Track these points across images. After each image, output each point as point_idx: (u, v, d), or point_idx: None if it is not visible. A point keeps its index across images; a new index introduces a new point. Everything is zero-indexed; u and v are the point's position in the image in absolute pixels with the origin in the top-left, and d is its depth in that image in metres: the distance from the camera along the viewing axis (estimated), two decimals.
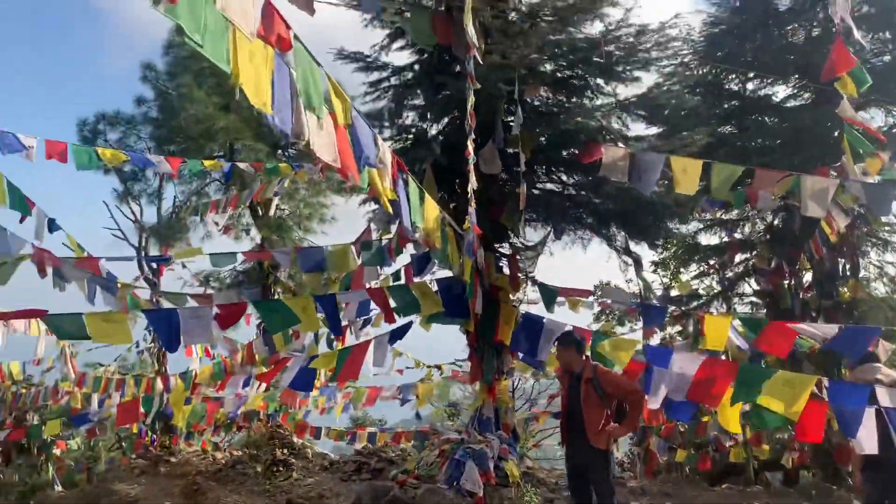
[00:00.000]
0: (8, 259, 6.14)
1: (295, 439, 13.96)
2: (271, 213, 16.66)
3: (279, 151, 18.60)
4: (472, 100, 5.46)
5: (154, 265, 16.81)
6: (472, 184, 5.47)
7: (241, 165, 10.69)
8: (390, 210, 4.50)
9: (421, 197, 4.96)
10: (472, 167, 5.37)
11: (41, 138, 8.11)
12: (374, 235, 7.91)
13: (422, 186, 5.14)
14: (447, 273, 6.78)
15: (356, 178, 3.82)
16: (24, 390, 16.76)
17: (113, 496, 11.49)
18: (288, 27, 3.26)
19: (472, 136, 5.44)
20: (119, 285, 6.89)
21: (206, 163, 10.07)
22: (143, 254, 19.19)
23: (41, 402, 16.21)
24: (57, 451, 18.11)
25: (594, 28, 7.17)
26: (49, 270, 6.66)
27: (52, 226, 7.25)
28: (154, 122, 17.93)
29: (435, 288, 6.64)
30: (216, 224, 17.88)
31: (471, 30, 5.38)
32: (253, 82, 2.81)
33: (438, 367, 15.98)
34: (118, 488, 11.87)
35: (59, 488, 16.83)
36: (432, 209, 5.20)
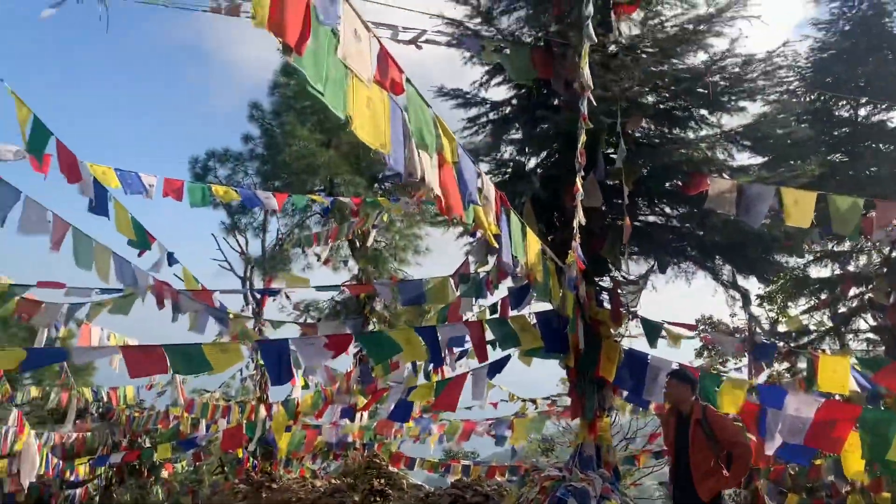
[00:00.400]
0: (137, 291, 6.52)
1: (390, 469, 14.08)
2: (369, 244, 17.07)
3: (376, 185, 19.12)
4: (583, 138, 5.46)
5: (258, 295, 17.50)
6: (581, 219, 5.44)
7: (343, 200, 11.02)
8: (494, 244, 4.53)
9: (523, 231, 4.98)
10: (579, 202, 5.35)
11: (160, 177, 8.64)
12: (472, 268, 7.96)
13: (523, 220, 5.16)
14: (545, 306, 6.74)
15: (461, 215, 3.88)
16: (136, 414, 17.67)
17: None
18: (400, 71, 3.37)
19: (582, 173, 5.43)
20: (231, 316, 7.21)
21: (313, 197, 10.42)
22: (247, 284, 20.01)
23: (151, 425, 17.00)
24: (165, 474, 18.92)
25: (697, 59, 7.05)
26: (167, 302, 7.05)
27: (171, 259, 7.65)
28: (260, 159, 18.78)
29: (534, 321, 6.60)
30: (317, 255, 18.48)
31: (586, 72, 5.40)
32: (371, 125, 2.92)
33: (533, 402, 15.81)
34: None
35: None
36: (534, 243, 5.20)
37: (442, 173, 3.73)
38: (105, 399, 16.84)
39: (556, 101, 7.38)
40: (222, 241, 20.36)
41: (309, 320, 16.60)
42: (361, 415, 12.53)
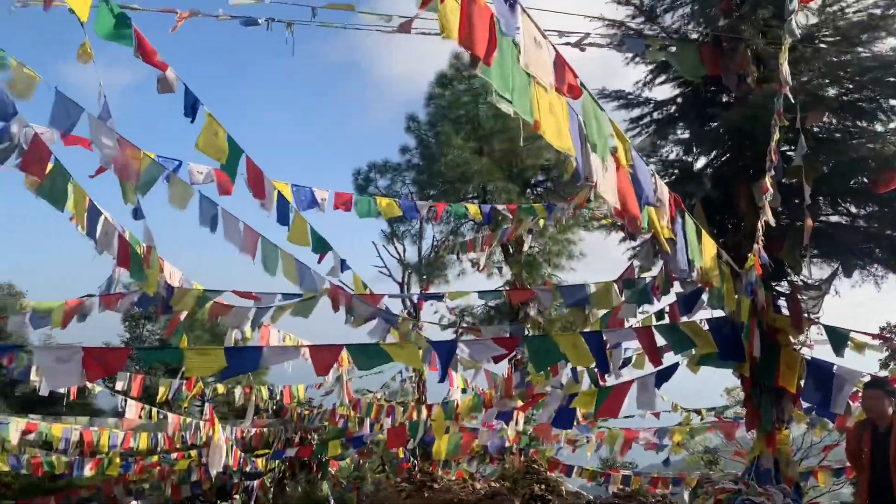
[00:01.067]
0: (315, 294, 6.98)
1: (549, 475, 14.02)
2: (523, 250, 17.14)
3: (528, 191, 19.18)
4: (776, 136, 5.22)
5: (414, 300, 18.07)
6: (769, 219, 5.19)
7: (499, 207, 11.17)
8: (668, 249, 4.43)
9: (698, 234, 4.83)
10: (766, 203, 5.11)
11: (331, 191, 9.19)
12: (637, 273, 7.79)
13: (697, 223, 5.00)
14: (716, 313, 6.47)
15: (638, 218, 3.84)
16: (307, 412, 18.76)
17: None
18: (575, 76, 3.40)
19: (772, 172, 5.18)
20: (400, 319, 7.53)
21: (469, 207, 10.64)
22: (405, 289, 20.74)
23: (320, 423, 17.96)
24: (331, 470, 19.93)
25: (886, 46, 6.51)
26: (342, 306, 7.46)
27: (344, 266, 8.09)
28: (416, 169, 19.44)
29: (705, 328, 6.36)
30: (472, 262, 18.81)
31: (785, 68, 5.17)
32: (554, 129, 2.97)
33: (698, 412, 15.16)
34: None
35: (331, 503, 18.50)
36: (709, 247, 5.03)
37: (617, 176, 3.71)
38: (278, 397, 18.00)
39: (725, 98, 7.08)
40: (381, 249, 21.27)
41: (463, 325, 16.91)
42: (517, 418, 12.58)
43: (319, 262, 7.47)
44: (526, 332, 16.06)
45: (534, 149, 17.75)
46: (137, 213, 5.62)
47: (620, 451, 14.04)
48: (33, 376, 8.19)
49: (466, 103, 18.29)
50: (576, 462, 16.23)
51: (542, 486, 12.01)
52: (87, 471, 12.74)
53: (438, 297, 7.84)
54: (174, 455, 15.01)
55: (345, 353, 12.28)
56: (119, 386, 10.75)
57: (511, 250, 17.85)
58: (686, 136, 7.32)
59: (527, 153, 17.61)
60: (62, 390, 8.54)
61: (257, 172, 6.17)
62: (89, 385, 10.42)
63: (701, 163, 7.25)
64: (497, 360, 5.78)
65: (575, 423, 13.59)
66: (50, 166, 5.39)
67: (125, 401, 10.56)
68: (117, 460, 13.42)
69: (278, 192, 6.54)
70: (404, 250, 21.27)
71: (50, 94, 4.71)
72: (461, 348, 5.44)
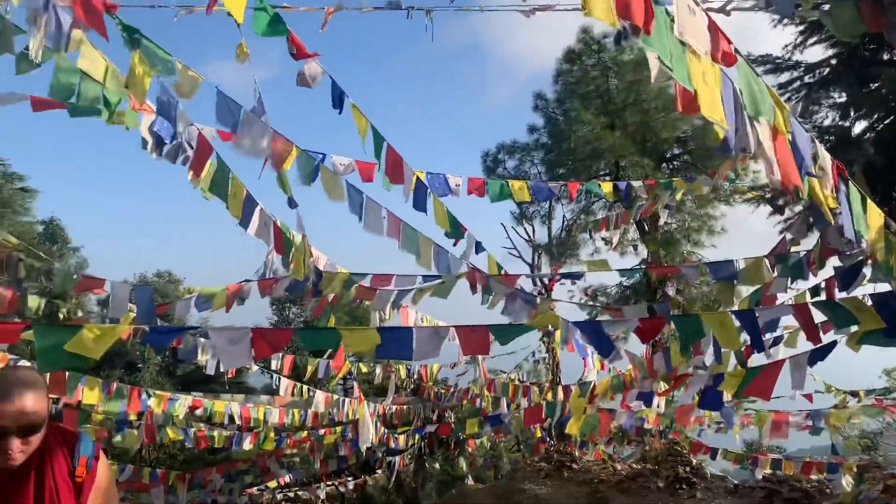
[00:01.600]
0: (454, 277, 7.12)
1: (692, 458, 13.62)
2: (659, 227, 16.64)
3: (664, 165, 18.54)
4: None
5: (545, 280, 17.97)
6: None
7: (635, 184, 10.87)
8: (832, 220, 4.17)
9: (863, 203, 4.50)
10: None
11: (465, 177, 9.30)
12: (789, 247, 7.36)
13: (862, 191, 4.66)
14: (877, 288, 6.02)
15: (800, 188, 3.63)
16: (443, 391, 19.22)
17: (524, 494, 12.49)
18: (729, 42, 3.26)
19: None
20: (539, 299, 7.54)
21: (603, 185, 10.43)
22: (535, 270, 20.69)
23: (456, 402, 18.34)
24: (468, 448, 20.32)
25: None
26: (479, 287, 7.57)
27: (479, 248, 8.19)
28: (545, 148, 19.28)
29: (868, 303, 5.93)
30: (605, 240, 18.46)
31: None
32: (709, 99, 2.88)
33: (855, 395, 14.21)
34: (527, 487, 12.87)
35: (470, 481, 18.88)
36: (876, 217, 4.67)
37: (776, 144, 3.53)
38: (415, 376, 18.53)
39: (887, 56, 6.54)
40: (510, 231, 21.30)
41: (597, 304, 16.66)
42: (659, 401, 12.28)
43: (455, 244, 7.61)
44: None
45: (669, 121, 17.15)
46: (291, 203, 5.94)
47: (768, 432, 13.42)
48: (200, 356, 8.83)
49: (595, 78, 17.91)
50: (721, 445, 15.68)
51: (687, 469, 11.67)
52: (246, 445, 13.66)
53: (577, 275, 7.73)
54: (322, 431, 15.82)
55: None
56: (273, 365, 11.44)
57: (647, 228, 17.38)
58: (842, 99, 6.83)
59: (662, 125, 17.04)
60: (222, 370, 9.16)
61: (397, 159, 6.35)
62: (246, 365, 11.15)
63: (860, 127, 6.75)
64: (644, 339, 5.67)
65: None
66: (212, 163, 5.81)
67: (279, 379, 11.23)
68: (272, 435, 14.31)
69: (416, 178, 6.71)
70: (533, 231, 21.22)
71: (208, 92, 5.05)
72: (605, 327, 5.38)
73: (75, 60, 4.87)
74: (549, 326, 8.20)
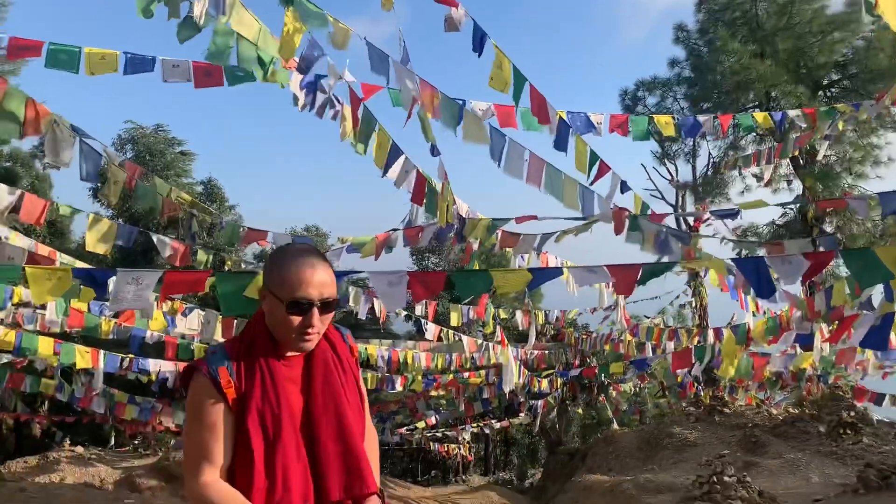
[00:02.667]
0: (601, 217, 7.01)
1: (855, 402, 12.87)
2: (817, 160, 15.47)
3: (820, 93, 17.14)
4: None
5: (690, 220, 17.29)
6: None
7: (791, 113, 10.13)
8: None
9: None
10: None
11: (607, 114, 9.04)
12: None
13: None
14: None
15: None
16: (584, 336, 19.17)
17: (673, 437, 12.31)
18: None
19: None
20: (691, 235, 7.28)
21: (757, 116, 9.80)
22: (679, 211, 19.91)
23: (599, 347, 18.23)
24: (613, 393, 20.25)
25: None
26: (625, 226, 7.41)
27: (624, 187, 8.00)
28: (687, 82, 18.32)
29: None
30: (756, 177, 17.44)
31: None
32: (892, 9, 2.63)
33: None
34: (676, 431, 12.67)
35: (615, 426, 18.84)
36: None
37: None
38: (555, 321, 18.53)
39: None
40: (652, 171, 20.56)
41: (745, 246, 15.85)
42: (822, 345, 11.63)
43: (592, 182, 7.48)
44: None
45: (825, 45, 15.76)
46: (434, 150, 6.04)
47: None
48: (351, 303, 9.26)
49: (742, 3, 16.68)
50: (888, 390, 14.70)
51: (851, 413, 11.04)
52: (397, 386, 14.30)
53: (733, 212, 7.32)
54: (466, 374, 16.26)
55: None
56: (418, 311, 11.83)
57: (802, 161, 16.22)
58: None
59: (817, 50, 15.69)
60: (377, 314, 9.55)
61: (541, 99, 6.27)
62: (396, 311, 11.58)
63: None
64: (807, 276, 5.37)
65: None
66: (359, 116, 5.99)
67: (425, 324, 11.60)
68: (419, 378, 14.88)
69: (559, 117, 6.61)
70: (677, 171, 20.38)
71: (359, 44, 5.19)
72: (769, 264, 5.13)
73: (230, 25, 5.13)
74: (701, 268, 7.92)
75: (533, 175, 6.78)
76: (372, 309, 9.00)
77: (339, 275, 5.92)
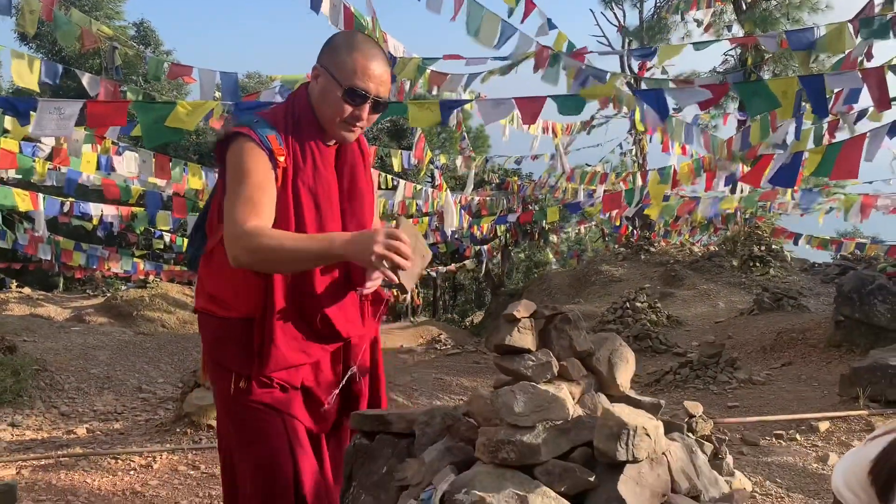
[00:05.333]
0: (523, 56, 7.16)
1: (772, 240, 13.79)
2: (757, 4, 15.51)
3: None
4: None
5: (634, 68, 17.40)
6: None
7: None
8: None
9: None
10: None
11: None
12: (877, 10, 6.93)
13: None
14: None
15: None
16: (526, 184, 19.66)
17: (601, 274, 13.17)
18: None
19: None
20: (609, 75, 7.50)
21: None
22: (625, 58, 19.93)
23: (536, 193, 18.76)
24: (553, 238, 21.09)
25: None
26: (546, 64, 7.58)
27: (550, 24, 8.09)
28: None
29: None
30: (697, 22, 17.40)
31: None
32: None
33: None
34: (604, 269, 13.52)
35: (554, 266, 19.81)
36: None
37: None
38: (498, 170, 18.89)
39: None
40: (600, 17, 20.33)
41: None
42: (742, 186, 12.26)
43: (523, 21, 7.55)
44: None
45: None
46: None
47: (857, 216, 13.27)
48: None
49: None
50: (807, 231, 15.67)
51: (763, 248, 11.88)
52: None
53: (649, 51, 7.47)
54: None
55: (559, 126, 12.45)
56: None
57: (744, 6, 16.21)
58: None
59: None
60: None
61: None
62: None
63: None
64: (703, 106, 5.73)
65: (800, 189, 12.96)
66: None
67: None
68: None
69: None
70: (624, 16, 20.18)
71: None
72: (668, 94, 5.45)
73: None
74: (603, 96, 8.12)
75: (456, 10, 6.84)
76: None
77: (266, 104, 6.04)
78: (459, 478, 1.57)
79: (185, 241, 15.47)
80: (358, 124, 1.82)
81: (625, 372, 1.80)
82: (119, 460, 3.85)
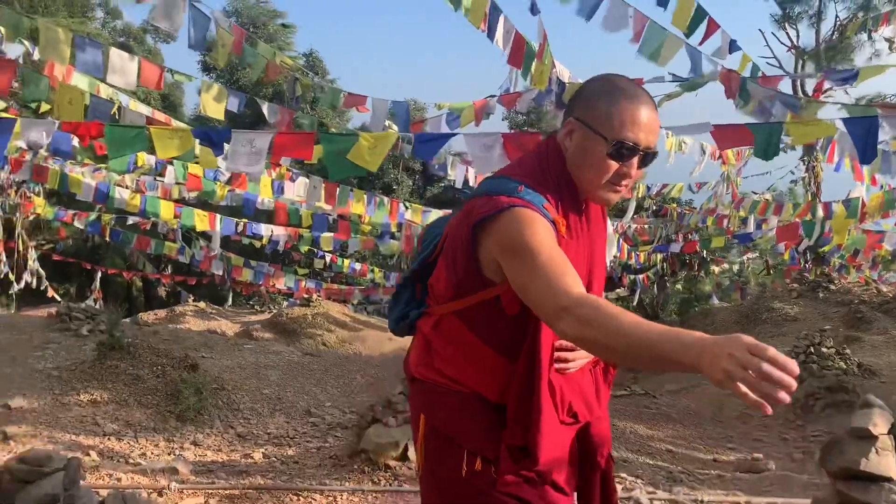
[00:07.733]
0: (707, 78, 6.72)
1: None
2: None
3: None
4: None
5: (808, 90, 16.16)
6: None
7: None
8: None
9: None
10: None
11: None
12: None
13: None
14: None
15: None
16: (686, 211, 18.71)
17: (773, 312, 12.17)
18: None
19: None
20: (803, 101, 6.88)
21: None
22: (798, 81, 18.60)
23: (701, 223, 17.79)
24: (715, 269, 19.94)
25: None
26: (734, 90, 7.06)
27: (733, 46, 7.58)
28: None
29: None
30: (888, 41, 15.95)
31: None
32: None
33: None
34: (776, 306, 12.50)
35: (716, 301, 18.68)
36: None
37: None
38: (656, 195, 18.10)
39: None
40: (770, 38, 19.14)
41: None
42: None
43: (701, 43, 7.10)
44: None
45: None
46: (534, 9, 5.89)
47: None
48: (450, 170, 9.38)
49: None
50: None
51: None
52: None
53: (850, 74, 6.76)
54: None
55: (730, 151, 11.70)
56: None
57: None
58: None
59: None
60: (470, 182, 9.61)
61: None
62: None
63: None
64: None
65: None
66: None
67: None
68: None
69: None
70: (798, 35, 18.86)
71: None
72: (886, 123, 4.85)
73: None
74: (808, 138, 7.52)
75: (634, 33, 6.52)
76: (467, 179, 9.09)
77: (444, 136, 5.98)
78: None
79: (345, 261, 16.06)
80: (623, 183, 1.60)
81: None
82: (301, 497, 3.83)
